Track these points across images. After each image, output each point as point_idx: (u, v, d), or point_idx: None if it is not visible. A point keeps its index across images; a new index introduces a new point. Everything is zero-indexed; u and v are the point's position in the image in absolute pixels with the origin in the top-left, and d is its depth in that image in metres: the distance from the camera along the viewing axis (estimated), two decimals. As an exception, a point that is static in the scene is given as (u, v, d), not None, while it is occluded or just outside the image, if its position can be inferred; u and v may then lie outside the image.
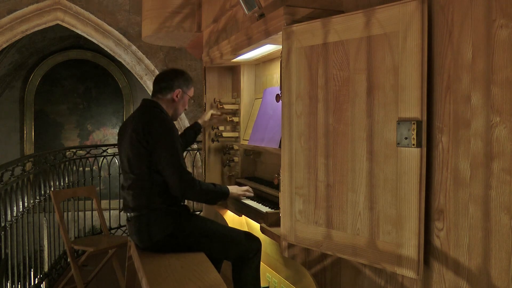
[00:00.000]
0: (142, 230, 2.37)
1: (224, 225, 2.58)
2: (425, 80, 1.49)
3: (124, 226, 5.50)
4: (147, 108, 2.52)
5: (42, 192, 4.07)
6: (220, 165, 3.23)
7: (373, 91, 1.61)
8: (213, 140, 3.15)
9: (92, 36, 6.03)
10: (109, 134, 8.55)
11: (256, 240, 2.47)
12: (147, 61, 6.08)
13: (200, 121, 3.03)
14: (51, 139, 8.36)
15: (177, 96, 2.57)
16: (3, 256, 3.47)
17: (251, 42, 2.28)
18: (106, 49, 6.20)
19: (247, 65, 3.04)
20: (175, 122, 2.59)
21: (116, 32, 5.96)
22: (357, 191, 1.67)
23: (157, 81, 2.61)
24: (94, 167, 5.42)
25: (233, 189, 2.57)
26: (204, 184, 2.45)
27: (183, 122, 6.25)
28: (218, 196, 2.50)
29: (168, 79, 2.57)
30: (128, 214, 2.43)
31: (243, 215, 2.72)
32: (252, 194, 2.62)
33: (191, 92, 2.65)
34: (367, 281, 1.86)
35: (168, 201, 2.39)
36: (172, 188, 2.36)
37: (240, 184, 2.88)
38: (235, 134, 3.12)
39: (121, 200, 2.56)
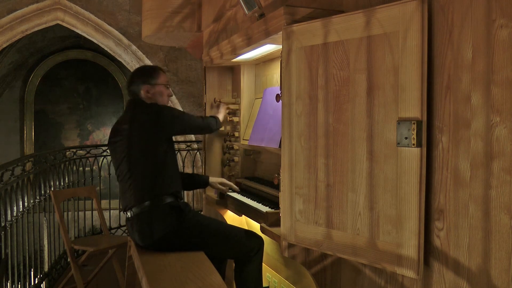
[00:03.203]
0: (144, 228, 2.36)
1: (226, 223, 2.57)
2: (425, 80, 1.49)
3: (124, 226, 5.50)
4: (135, 105, 2.57)
5: (42, 192, 4.07)
6: (220, 165, 3.24)
7: (373, 91, 1.61)
8: (213, 140, 3.15)
9: (92, 36, 6.03)
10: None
11: (258, 238, 2.47)
12: (147, 61, 6.09)
13: (211, 179, 2.87)
14: (51, 139, 8.36)
15: (148, 92, 2.58)
16: (3, 256, 3.47)
17: (251, 42, 2.28)
18: (106, 49, 6.20)
19: (247, 65, 3.04)
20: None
21: (116, 32, 5.96)
22: (357, 191, 1.67)
23: (127, 88, 2.65)
24: (94, 167, 5.42)
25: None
26: (212, 120, 2.85)
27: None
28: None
29: (132, 83, 2.61)
30: (129, 212, 2.43)
31: (243, 215, 2.72)
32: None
33: (161, 79, 2.64)
34: (367, 281, 1.86)
35: (169, 196, 2.39)
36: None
37: (239, 184, 2.88)
38: (235, 134, 3.12)
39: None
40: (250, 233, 2.50)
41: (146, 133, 2.44)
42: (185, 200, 2.60)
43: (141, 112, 2.50)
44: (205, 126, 2.79)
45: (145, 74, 2.64)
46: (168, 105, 2.70)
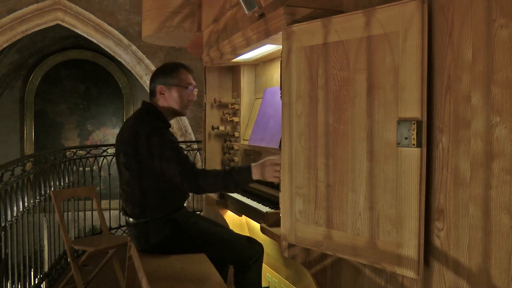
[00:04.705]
0: (140, 236, 2.35)
1: (226, 229, 2.54)
2: (425, 80, 1.49)
3: (124, 226, 5.50)
4: (141, 115, 2.38)
5: (42, 192, 4.06)
6: (220, 165, 3.24)
7: (373, 91, 1.61)
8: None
9: (92, 36, 6.03)
10: (109, 134, 8.55)
11: (258, 246, 2.44)
12: (147, 61, 6.09)
13: None
14: (51, 139, 8.36)
15: (161, 93, 2.36)
16: (3, 256, 3.47)
17: (251, 42, 2.28)
18: (106, 49, 6.20)
19: (247, 65, 3.04)
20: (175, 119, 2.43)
21: (116, 32, 5.97)
22: (357, 191, 1.67)
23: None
24: (94, 167, 5.42)
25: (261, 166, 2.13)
26: (209, 171, 2.22)
27: (183, 122, 6.25)
28: (235, 179, 2.17)
29: (151, 81, 2.43)
30: (126, 217, 2.42)
31: (243, 215, 2.72)
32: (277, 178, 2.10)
33: (178, 80, 2.36)
34: (367, 281, 1.86)
35: (164, 210, 2.31)
36: (179, 185, 2.20)
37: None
38: (235, 134, 3.12)
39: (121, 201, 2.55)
40: (250, 241, 2.45)
41: (132, 157, 2.27)
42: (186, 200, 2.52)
43: (135, 131, 2.26)
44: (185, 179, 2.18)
45: (163, 71, 2.39)
46: (187, 109, 2.42)
